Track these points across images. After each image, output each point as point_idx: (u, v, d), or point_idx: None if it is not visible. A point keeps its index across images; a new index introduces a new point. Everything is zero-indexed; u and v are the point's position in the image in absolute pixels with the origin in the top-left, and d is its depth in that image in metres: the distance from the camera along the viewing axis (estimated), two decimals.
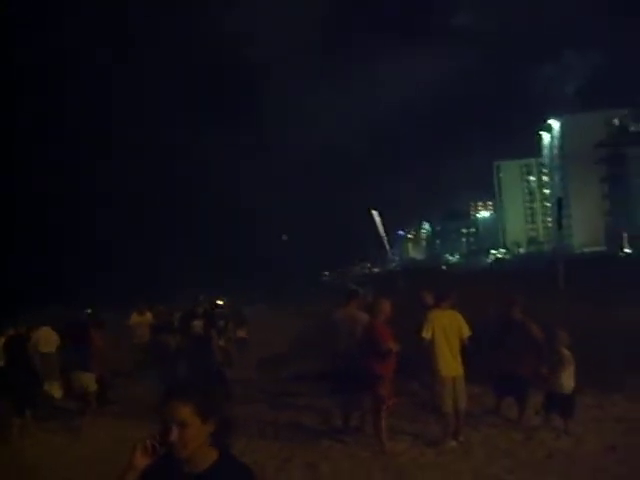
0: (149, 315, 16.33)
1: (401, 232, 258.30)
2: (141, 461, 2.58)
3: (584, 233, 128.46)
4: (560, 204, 12.23)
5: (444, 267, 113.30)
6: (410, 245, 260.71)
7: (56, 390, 11.91)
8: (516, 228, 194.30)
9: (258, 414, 10.56)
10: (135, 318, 16.31)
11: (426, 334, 8.32)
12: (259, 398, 12.04)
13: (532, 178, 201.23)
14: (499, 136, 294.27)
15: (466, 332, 8.52)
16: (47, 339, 12.41)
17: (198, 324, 13.17)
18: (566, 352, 8.47)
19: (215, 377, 11.08)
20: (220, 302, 24.28)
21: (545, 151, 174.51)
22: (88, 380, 11.36)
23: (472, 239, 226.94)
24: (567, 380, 8.42)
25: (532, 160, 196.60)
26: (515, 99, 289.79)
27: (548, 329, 8.86)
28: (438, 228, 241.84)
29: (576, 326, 10.66)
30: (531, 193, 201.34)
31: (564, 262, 11.41)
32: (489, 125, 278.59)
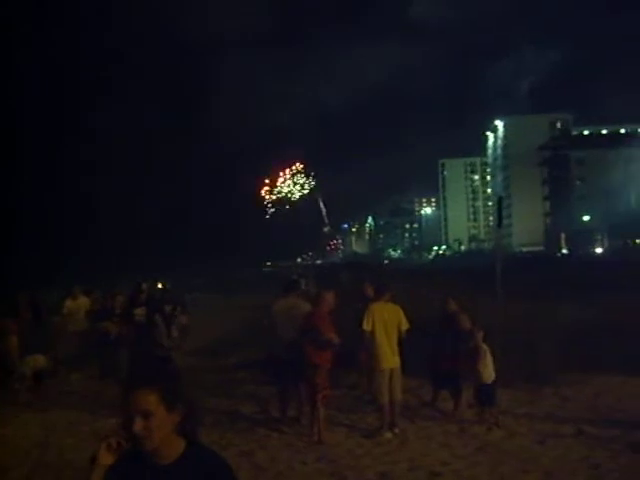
0: (85, 300, 15.16)
1: (345, 225, 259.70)
2: (106, 459, 2.49)
3: (523, 233, 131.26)
4: (501, 203, 12.48)
5: (386, 261, 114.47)
6: (353, 238, 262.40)
7: None
8: (458, 225, 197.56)
9: (198, 402, 10.52)
10: (70, 304, 15.00)
11: (367, 326, 8.44)
12: (200, 386, 12.01)
13: (476, 177, 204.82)
14: (445, 134, 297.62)
15: (405, 325, 8.66)
16: None
17: (141, 311, 12.64)
18: (481, 344, 8.71)
19: (162, 364, 10.77)
20: (160, 286, 24.02)
21: (489, 151, 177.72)
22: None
23: (415, 235, 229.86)
24: (485, 370, 8.66)
25: (477, 159, 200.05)
26: (463, 98, 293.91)
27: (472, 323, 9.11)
28: (382, 222, 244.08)
29: (511, 323, 10.96)
30: (474, 192, 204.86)
31: (503, 260, 11.61)
32: (436, 122, 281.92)
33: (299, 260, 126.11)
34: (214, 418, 9.60)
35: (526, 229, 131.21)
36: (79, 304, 14.99)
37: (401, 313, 8.73)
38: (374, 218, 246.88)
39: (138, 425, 2.37)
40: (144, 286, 15.70)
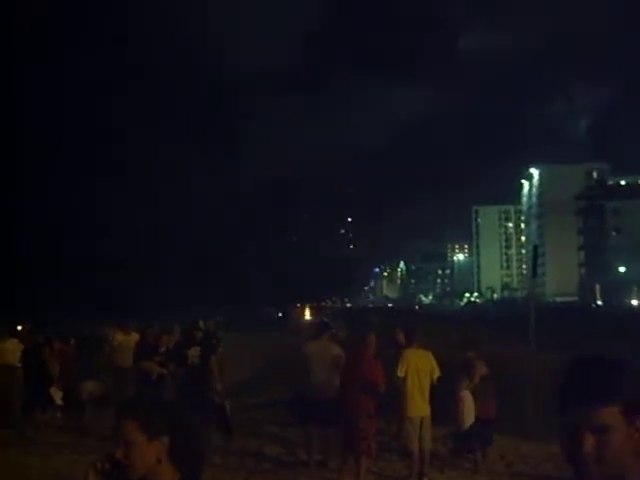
0: (136, 336, 13.92)
1: (377, 269, 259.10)
2: None
3: (557, 282, 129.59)
4: (536, 252, 12.37)
5: (417, 307, 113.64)
6: (385, 283, 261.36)
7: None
8: (491, 273, 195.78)
9: (223, 442, 10.50)
10: (120, 337, 14.15)
11: (400, 373, 8.34)
12: None
13: (510, 225, 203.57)
14: (478, 180, 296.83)
15: (436, 372, 8.55)
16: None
17: (195, 352, 11.52)
18: (463, 392, 8.67)
19: (215, 411, 10.30)
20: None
21: (524, 199, 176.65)
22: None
23: (447, 281, 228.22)
24: (463, 416, 8.62)
25: (511, 207, 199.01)
26: (498, 145, 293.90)
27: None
28: (414, 268, 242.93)
29: (543, 371, 10.76)
30: (508, 239, 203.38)
31: (536, 310, 11.49)
32: (470, 169, 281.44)
33: (328, 303, 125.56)
34: (239, 459, 9.53)
35: (560, 279, 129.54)
36: (129, 339, 13.91)
37: (433, 360, 8.64)
38: (406, 263, 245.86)
39: (119, 453, 2.37)
40: (201, 324, 14.51)
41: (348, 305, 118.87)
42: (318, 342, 9.31)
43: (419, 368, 8.44)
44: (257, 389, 15.78)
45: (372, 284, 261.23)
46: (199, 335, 12.04)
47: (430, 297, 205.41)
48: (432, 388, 8.54)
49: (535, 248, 12.93)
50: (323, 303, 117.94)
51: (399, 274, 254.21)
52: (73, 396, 12.71)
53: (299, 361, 9.38)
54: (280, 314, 70.12)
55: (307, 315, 60.92)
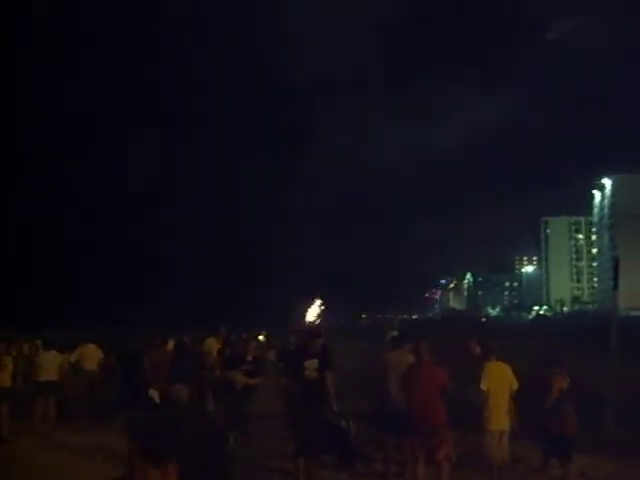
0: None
1: (443, 281, 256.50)
2: None
3: (631, 296, 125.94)
4: (617, 264, 12.09)
5: (484, 319, 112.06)
6: (451, 294, 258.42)
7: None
8: (561, 286, 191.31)
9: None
10: (211, 344, 14.22)
11: (484, 386, 8.25)
12: None
13: (580, 236, 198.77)
14: (549, 191, 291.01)
15: (515, 385, 8.44)
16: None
17: (312, 364, 9.75)
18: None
19: (337, 435, 9.20)
20: (261, 337, 24.17)
21: (595, 209, 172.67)
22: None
23: (514, 293, 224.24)
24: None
25: (581, 218, 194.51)
26: (570, 156, 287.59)
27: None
28: (481, 279, 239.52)
29: (625, 387, 10.45)
30: (578, 251, 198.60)
31: (617, 323, 11.21)
32: (539, 179, 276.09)
33: (392, 314, 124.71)
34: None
35: (634, 292, 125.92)
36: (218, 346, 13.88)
37: (511, 373, 8.52)
38: (473, 274, 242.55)
39: (126, 477, 2.17)
40: (323, 331, 13.29)
41: (414, 317, 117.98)
42: (397, 352, 9.28)
43: (499, 380, 8.34)
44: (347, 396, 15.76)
45: (438, 296, 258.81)
46: (318, 345, 9.88)
47: (497, 309, 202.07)
48: (512, 401, 8.42)
49: (617, 260, 12.62)
50: (387, 315, 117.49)
51: (466, 286, 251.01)
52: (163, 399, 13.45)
53: (378, 370, 9.36)
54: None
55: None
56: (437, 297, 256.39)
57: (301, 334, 13.13)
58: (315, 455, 8.25)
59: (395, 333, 15.07)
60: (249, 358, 11.34)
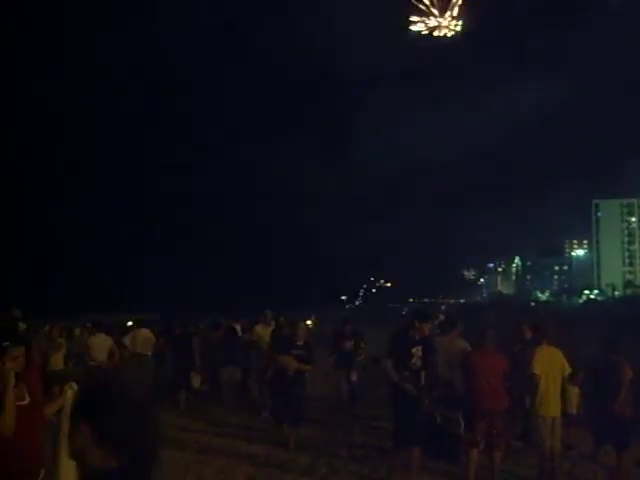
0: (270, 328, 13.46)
1: (491, 265, 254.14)
2: None
3: None
4: None
5: (532, 304, 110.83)
6: (499, 278, 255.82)
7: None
8: (612, 270, 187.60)
9: (349, 438, 10.65)
10: (260, 330, 13.86)
11: (535, 370, 8.11)
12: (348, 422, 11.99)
13: (633, 219, 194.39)
14: (600, 173, 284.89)
15: (567, 370, 8.28)
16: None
17: (417, 351, 10.12)
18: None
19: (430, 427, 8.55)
20: (309, 322, 24.16)
21: None
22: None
23: (564, 277, 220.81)
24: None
25: (634, 200, 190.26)
26: (620, 137, 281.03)
27: None
28: (529, 263, 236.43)
29: None
30: (631, 234, 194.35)
31: None
32: (591, 161, 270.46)
33: (439, 299, 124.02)
34: (363, 453, 9.53)
35: None
36: (267, 332, 13.28)
37: (563, 357, 8.35)
38: (521, 258, 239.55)
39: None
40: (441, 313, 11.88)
41: (462, 301, 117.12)
42: (446, 337, 9.18)
43: (551, 365, 8.19)
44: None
45: (485, 279, 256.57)
46: (426, 328, 8.62)
47: (547, 294, 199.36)
48: (564, 386, 8.28)
49: None
50: (434, 300, 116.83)
51: (514, 270, 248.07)
52: (215, 381, 14.48)
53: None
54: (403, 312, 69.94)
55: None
56: (484, 280, 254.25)
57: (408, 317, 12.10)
58: (420, 445, 8.06)
59: (442, 318, 14.94)
60: (300, 343, 10.91)
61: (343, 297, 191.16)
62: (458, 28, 54.87)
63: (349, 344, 13.37)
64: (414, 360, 8.26)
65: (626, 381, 8.24)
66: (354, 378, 13.28)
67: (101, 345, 13.54)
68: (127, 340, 14.51)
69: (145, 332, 14.61)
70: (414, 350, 8.30)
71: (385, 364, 8.39)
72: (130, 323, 19.38)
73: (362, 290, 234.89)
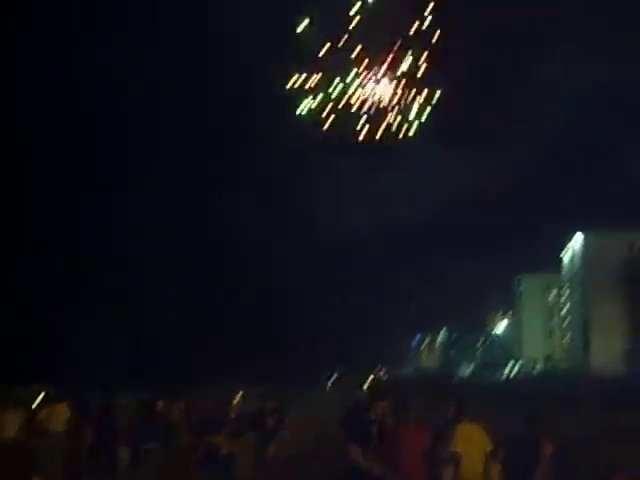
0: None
1: (417, 337, 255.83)
2: None
3: (602, 354, 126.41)
4: (587, 326, 12.19)
5: (455, 378, 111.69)
6: (425, 352, 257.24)
7: None
8: (533, 344, 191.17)
9: None
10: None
11: (457, 447, 8.21)
12: None
13: (553, 293, 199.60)
14: (522, 249, 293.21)
15: (489, 446, 8.41)
16: None
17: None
18: None
19: None
20: None
21: (567, 266, 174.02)
22: None
23: (487, 351, 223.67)
24: None
25: (553, 276, 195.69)
26: (541, 213, 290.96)
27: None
28: (454, 336, 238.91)
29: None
30: (550, 308, 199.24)
31: (586, 383, 11.26)
32: (512, 236, 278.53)
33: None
34: None
35: (605, 351, 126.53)
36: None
37: (484, 434, 8.50)
38: (447, 331, 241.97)
39: None
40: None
41: (385, 377, 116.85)
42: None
43: (473, 443, 8.30)
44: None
45: (410, 351, 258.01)
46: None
47: (471, 367, 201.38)
48: (486, 463, 8.38)
49: (586, 323, 12.75)
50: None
51: (439, 343, 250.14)
52: None
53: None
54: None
55: None
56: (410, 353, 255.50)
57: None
58: None
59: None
60: (231, 417, 10.67)
61: None
62: None
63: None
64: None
65: (546, 457, 8.42)
66: None
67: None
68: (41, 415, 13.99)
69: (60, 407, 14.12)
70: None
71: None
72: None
73: None
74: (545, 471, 8.43)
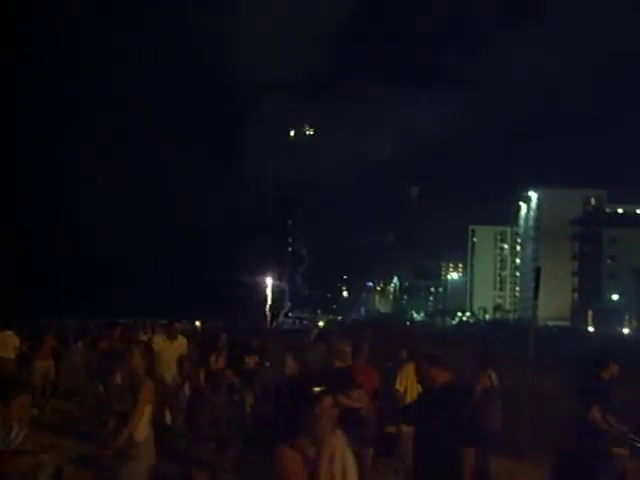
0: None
1: (370, 283, 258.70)
2: None
3: (550, 306, 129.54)
4: (539, 275, 12.50)
5: (408, 323, 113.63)
6: (377, 297, 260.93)
7: None
8: (484, 294, 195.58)
9: None
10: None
11: (399, 386, 8.41)
12: None
13: (505, 246, 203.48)
14: (477, 200, 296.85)
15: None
16: None
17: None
18: None
19: None
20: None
21: (521, 221, 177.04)
22: None
23: (439, 299, 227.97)
24: None
25: (507, 228, 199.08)
26: (498, 166, 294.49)
27: None
28: (407, 284, 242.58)
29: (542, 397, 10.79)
30: (502, 261, 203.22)
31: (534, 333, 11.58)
32: (468, 188, 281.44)
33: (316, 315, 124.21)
34: None
35: (553, 303, 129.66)
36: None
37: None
38: (399, 278, 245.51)
39: None
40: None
41: (339, 318, 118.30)
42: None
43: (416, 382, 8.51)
44: None
45: (363, 297, 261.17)
46: None
47: (422, 314, 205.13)
48: None
49: (538, 271, 13.05)
50: (311, 315, 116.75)
51: (392, 289, 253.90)
52: None
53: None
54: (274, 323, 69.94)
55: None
56: (363, 299, 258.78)
57: None
58: None
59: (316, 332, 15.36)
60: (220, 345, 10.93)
61: None
62: None
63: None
64: None
65: (479, 388, 8.66)
66: None
67: None
68: None
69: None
70: None
71: None
72: None
73: None
74: (475, 401, 8.62)
